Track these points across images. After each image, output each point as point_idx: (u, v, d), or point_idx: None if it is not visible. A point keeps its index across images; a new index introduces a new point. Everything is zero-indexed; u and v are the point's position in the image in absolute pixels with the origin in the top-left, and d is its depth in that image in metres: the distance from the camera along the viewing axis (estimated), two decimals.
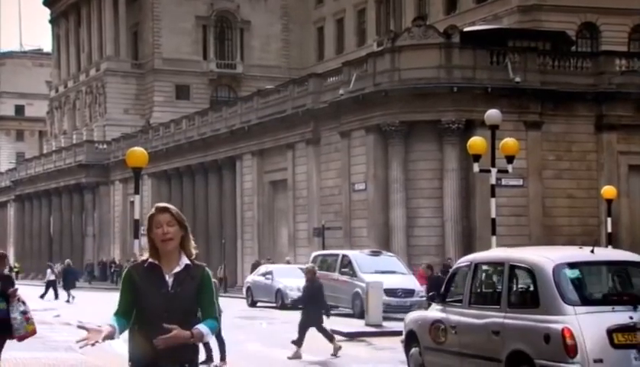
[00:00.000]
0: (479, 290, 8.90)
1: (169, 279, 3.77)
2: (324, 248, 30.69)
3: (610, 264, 8.48)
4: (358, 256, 21.90)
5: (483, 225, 24.17)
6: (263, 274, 25.94)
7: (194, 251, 3.84)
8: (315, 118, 32.49)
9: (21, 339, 9.14)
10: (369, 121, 28.76)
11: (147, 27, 58.55)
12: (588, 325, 7.43)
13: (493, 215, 15.76)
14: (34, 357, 11.79)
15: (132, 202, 40.96)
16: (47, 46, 79.17)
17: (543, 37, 31.65)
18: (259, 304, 25.32)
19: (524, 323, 7.87)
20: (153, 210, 3.85)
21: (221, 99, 56.21)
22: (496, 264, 8.79)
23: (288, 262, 30.13)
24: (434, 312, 9.44)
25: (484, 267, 8.97)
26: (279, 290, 24.55)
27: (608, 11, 40.64)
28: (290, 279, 24.53)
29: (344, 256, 22.23)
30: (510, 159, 16.03)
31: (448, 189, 27.19)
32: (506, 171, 16.45)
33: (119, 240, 49.98)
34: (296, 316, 20.81)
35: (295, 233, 34.56)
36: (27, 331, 8.95)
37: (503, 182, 24.34)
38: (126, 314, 3.77)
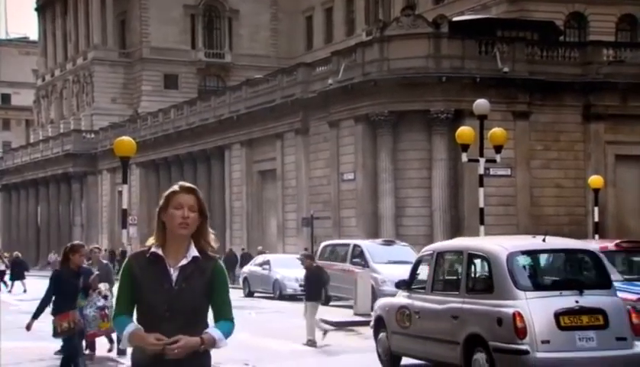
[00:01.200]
0: (440, 278, 9.38)
1: (174, 273, 3.23)
2: (312, 238, 30.71)
3: (560, 251, 9.00)
4: (370, 246, 21.00)
5: (472, 215, 24.28)
6: (260, 264, 25.33)
7: (215, 244, 3.31)
8: (303, 108, 32.45)
9: (91, 337, 8.38)
10: (358, 110, 28.75)
11: (134, 15, 58.15)
12: (537, 309, 7.90)
13: (481, 205, 15.83)
14: (23, 346, 11.75)
15: (120, 192, 40.82)
16: (33, 34, 78.54)
17: (531, 27, 31.71)
18: (256, 295, 24.86)
19: (479, 308, 8.35)
20: (176, 187, 3.30)
21: (210, 88, 56.00)
22: (456, 253, 9.29)
23: (261, 252, 30.06)
24: (401, 298, 9.90)
25: (445, 255, 9.46)
26: (276, 281, 23.92)
27: (595, 0, 40.77)
28: (288, 269, 23.88)
29: (355, 246, 21.24)
30: (498, 149, 16.09)
31: (437, 178, 27.27)
32: (494, 161, 16.51)
33: (107, 230, 49.82)
34: (292, 306, 20.54)
35: (284, 223, 34.58)
36: (100, 329, 8.18)
37: (491, 172, 24.44)
38: (132, 310, 3.27)
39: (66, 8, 63.29)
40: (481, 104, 16.22)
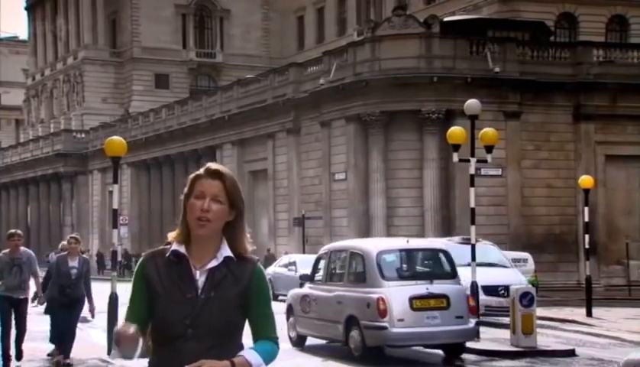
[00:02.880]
0: (332, 272, 11.79)
1: (200, 278, 2.50)
2: (304, 237, 30.71)
3: (419, 250, 11.73)
4: (448, 246, 15.93)
5: (463, 215, 24.33)
6: (286, 265, 23.58)
7: (249, 247, 2.60)
8: (295, 108, 32.44)
9: None
10: (349, 110, 28.76)
11: (125, 15, 57.96)
12: (396, 294, 10.30)
13: (472, 205, 15.84)
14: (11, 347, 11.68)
15: (111, 192, 40.68)
16: (24, 33, 78.14)
17: (522, 27, 31.81)
18: (280, 298, 21.92)
19: (356, 295, 10.75)
20: (201, 170, 2.61)
21: (201, 88, 55.90)
22: (343, 251, 11.71)
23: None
24: (306, 289, 12.36)
25: (336, 253, 11.86)
26: None
27: (586, 1, 40.96)
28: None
29: None
30: (489, 149, 16.09)
31: (428, 178, 27.31)
32: (485, 161, 16.52)
33: (98, 230, 49.65)
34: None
35: (276, 223, 34.56)
36: None
37: (482, 172, 24.48)
38: (145, 326, 2.52)
39: (57, 8, 63.01)
40: (472, 104, 16.24)
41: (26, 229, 56.71)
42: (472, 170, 15.95)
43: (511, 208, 27.76)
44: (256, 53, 58.82)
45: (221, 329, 2.48)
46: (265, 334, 2.54)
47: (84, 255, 11.04)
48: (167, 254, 2.54)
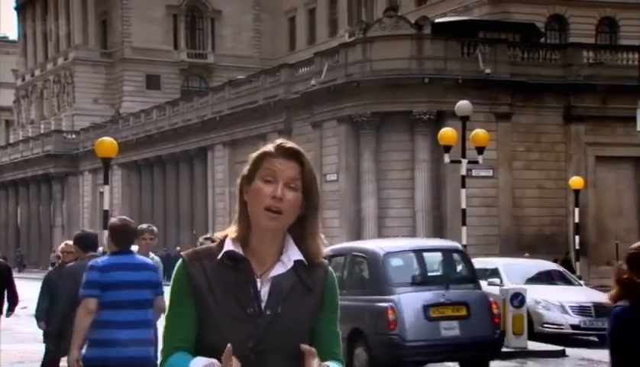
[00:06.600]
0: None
1: (263, 287, 1.96)
2: None
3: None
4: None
5: (454, 216, 24.39)
6: (485, 273, 13.83)
7: (323, 249, 2.02)
8: (286, 109, 32.45)
9: None
10: (340, 111, 28.79)
11: (116, 15, 57.81)
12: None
13: (464, 206, 15.90)
14: (5, 349, 11.65)
15: (101, 193, 40.50)
16: (13, 33, 77.80)
17: (513, 28, 31.94)
18: None
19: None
20: (269, 147, 2.00)
21: (192, 88, 55.80)
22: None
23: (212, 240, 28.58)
24: None
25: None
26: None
27: (576, 3, 41.18)
28: (539, 286, 13.83)
29: None
30: (480, 150, 16.17)
31: (419, 179, 27.37)
32: (477, 162, 16.59)
33: None
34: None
35: None
36: None
37: (474, 173, 24.55)
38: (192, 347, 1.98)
39: (47, 8, 62.76)
40: (463, 105, 16.31)
41: (16, 230, 56.42)
42: (463, 171, 16.00)
43: (502, 209, 27.84)
44: (248, 54, 58.78)
45: (291, 355, 1.91)
46: (334, 354, 1.99)
47: (156, 257, 7.14)
48: (219, 257, 1.98)
